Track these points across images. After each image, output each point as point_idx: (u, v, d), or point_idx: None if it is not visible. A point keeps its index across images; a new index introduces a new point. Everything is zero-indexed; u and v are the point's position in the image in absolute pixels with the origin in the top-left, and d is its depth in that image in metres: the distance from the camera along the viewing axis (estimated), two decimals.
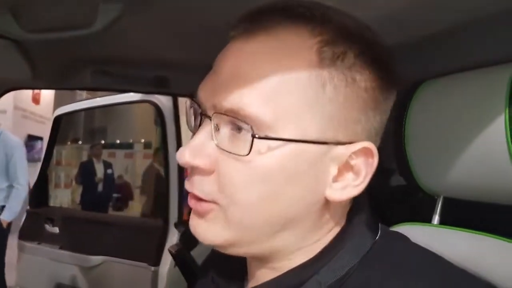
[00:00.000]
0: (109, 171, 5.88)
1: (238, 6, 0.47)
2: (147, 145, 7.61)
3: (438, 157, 0.58)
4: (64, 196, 6.48)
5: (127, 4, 0.60)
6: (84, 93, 7.99)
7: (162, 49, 0.89)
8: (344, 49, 0.38)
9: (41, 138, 7.03)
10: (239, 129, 0.37)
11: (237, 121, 0.37)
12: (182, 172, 1.72)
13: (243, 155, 0.37)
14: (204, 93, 0.40)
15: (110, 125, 8.70)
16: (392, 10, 0.55)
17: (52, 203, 3.32)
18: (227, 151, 0.38)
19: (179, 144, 1.69)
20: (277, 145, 0.37)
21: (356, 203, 0.45)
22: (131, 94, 1.76)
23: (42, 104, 7.14)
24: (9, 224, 2.68)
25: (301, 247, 0.42)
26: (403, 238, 0.45)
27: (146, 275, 1.70)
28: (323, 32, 0.38)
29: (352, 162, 0.39)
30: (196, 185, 0.40)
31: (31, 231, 2.18)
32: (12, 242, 2.52)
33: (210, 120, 0.39)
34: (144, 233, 1.83)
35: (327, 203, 0.40)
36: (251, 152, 0.36)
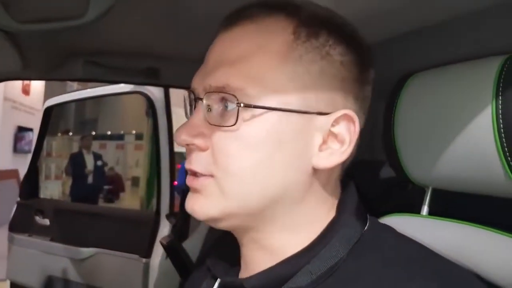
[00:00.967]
0: (99, 162, 5.87)
1: (224, 3, 0.48)
2: (138, 136, 7.59)
3: (427, 149, 0.59)
4: (54, 188, 6.45)
5: None
6: (75, 84, 7.91)
7: (153, 40, 0.90)
8: (317, 29, 0.43)
9: (31, 130, 6.97)
10: (227, 104, 0.41)
11: (225, 95, 0.41)
12: (173, 164, 1.73)
13: (231, 125, 0.40)
14: (196, 81, 0.45)
15: (101, 116, 8.65)
16: (381, 6, 0.56)
17: (42, 195, 3.29)
18: (217, 125, 0.42)
19: (170, 135, 1.70)
20: (261, 113, 0.41)
21: (345, 195, 0.47)
22: (122, 85, 1.75)
23: (32, 95, 7.06)
24: None
25: (292, 222, 0.44)
26: (390, 230, 0.47)
27: (137, 266, 1.71)
28: (298, 16, 0.43)
29: (335, 131, 0.43)
30: (193, 161, 0.43)
31: (22, 223, 2.18)
32: (2, 234, 2.50)
33: (202, 101, 0.43)
34: (135, 224, 1.84)
35: (314, 174, 0.43)
36: (237, 121, 0.40)
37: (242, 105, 0.40)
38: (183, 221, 1.61)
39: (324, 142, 0.43)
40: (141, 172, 7.10)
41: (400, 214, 0.63)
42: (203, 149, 0.43)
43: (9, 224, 2.25)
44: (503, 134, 0.48)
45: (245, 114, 0.41)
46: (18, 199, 2.32)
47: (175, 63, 1.04)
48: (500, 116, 0.48)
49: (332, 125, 0.43)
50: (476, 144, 0.51)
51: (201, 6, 0.63)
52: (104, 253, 1.83)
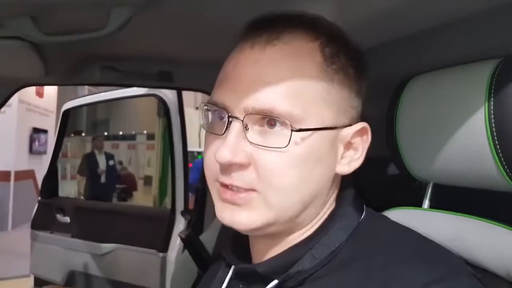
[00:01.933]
0: (111, 162, 5.90)
1: (241, 7, 0.51)
2: (149, 136, 7.66)
3: (427, 146, 0.62)
4: (70, 188, 6.55)
5: (137, 7, 0.64)
6: (86, 87, 8.01)
7: (167, 46, 0.93)
8: (337, 48, 0.47)
9: (45, 131, 7.08)
10: (272, 125, 0.44)
11: (270, 119, 0.44)
12: (187, 163, 1.78)
13: (282, 147, 0.43)
14: (229, 98, 0.46)
15: (112, 117, 8.73)
16: (380, 10, 0.59)
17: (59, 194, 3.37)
18: (262, 146, 0.44)
19: (184, 136, 1.74)
20: (308, 135, 0.44)
21: (343, 189, 0.52)
22: (136, 88, 1.80)
23: (46, 98, 7.17)
24: None
25: (311, 221, 0.49)
26: (384, 218, 0.53)
27: (155, 261, 1.76)
28: (318, 35, 0.47)
29: (352, 141, 0.48)
30: (236, 178, 0.45)
31: (43, 221, 2.24)
32: (20, 233, 2.58)
33: (238, 121, 0.44)
34: (152, 221, 1.89)
35: (333, 178, 0.49)
36: (289, 144, 0.43)
37: (294, 129, 0.43)
38: (198, 217, 1.67)
39: (344, 151, 0.48)
40: (153, 171, 7.17)
41: (403, 207, 0.66)
42: (245, 166, 0.45)
43: (31, 222, 2.32)
44: (494, 132, 0.51)
45: (296, 137, 0.44)
46: (39, 198, 2.40)
47: (188, 67, 1.08)
48: (492, 115, 0.51)
49: (351, 136, 0.48)
50: (471, 141, 0.55)
51: (213, 10, 0.66)
52: (123, 248, 1.89)
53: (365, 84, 0.50)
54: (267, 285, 0.47)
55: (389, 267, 0.42)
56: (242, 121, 0.44)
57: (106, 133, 8.52)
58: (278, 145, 0.43)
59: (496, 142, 0.51)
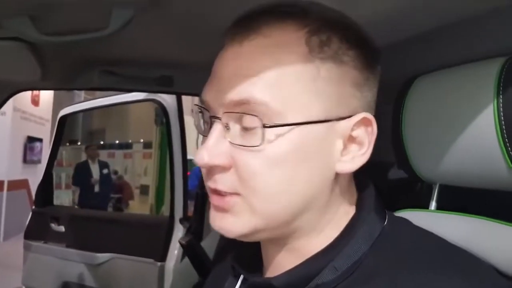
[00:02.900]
0: (105, 171, 5.85)
1: (241, 10, 0.51)
2: (146, 145, 7.63)
3: (434, 147, 0.62)
4: (65, 197, 6.49)
5: (138, 8, 0.64)
6: (82, 94, 7.99)
7: (167, 49, 0.91)
8: (328, 35, 0.43)
9: (40, 140, 7.03)
10: (247, 125, 0.41)
11: (245, 116, 0.41)
12: (186, 169, 1.76)
13: (256, 146, 0.40)
14: (210, 96, 0.44)
15: (108, 126, 8.71)
16: (385, 11, 0.59)
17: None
18: (241, 145, 0.41)
19: (183, 142, 1.73)
20: (286, 131, 0.40)
21: (363, 191, 0.48)
22: (135, 93, 1.79)
23: (41, 106, 7.13)
24: None
25: (317, 226, 0.45)
26: (407, 223, 0.48)
27: (153, 270, 1.73)
28: (307, 24, 0.43)
29: (354, 134, 0.43)
30: (218, 181, 0.43)
31: (37, 230, 2.21)
32: (13, 245, 2.54)
33: (220, 120, 0.42)
34: (150, 229, 1.87)
35: (336, 178, 0.44)
36: (263, 142, 0.40)
37: (267, 125, 0.40)
38: (197, 224, 1.65)
39: (345, 147, 0.43)
40: (150, 180, 7.14)
41: (410, 209, 0.65)
42: (226, 169, 0.42)
43: (24, 232, 2.28)
44: (504, 132, 0.50)
45: (270, 133, 0.40)
46: (33, 207, 2.37)
47: (188, 71, 1.06)
48: (502, 114, 0.50)
49: (352, 129, 0.43)
50: (479, 141, 0.54)
51: (213, 13, 0.65)
52: (120, 258, 1.85)
53: (372, 72, 0.45)
54: None
55: (417, 280, 0.39)
56: (220, 119, 0.42)
57: (102, 142, 8.48)
58: (253, 144, 0.40)
59: (506, 140, 0.51)
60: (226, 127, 0.42)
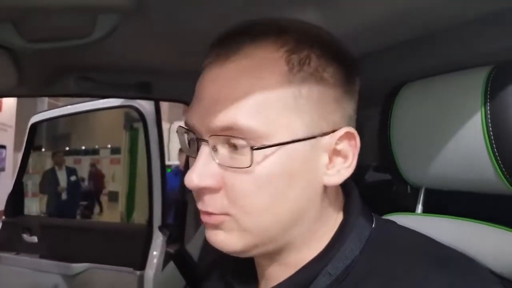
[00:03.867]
0: (72, 178, 5.70)
1: (222, 18, 0.51)
2: (114, 150, 7.47)
3: (421, 152, 0.63)
4: (32, 206, 6.27)
5: (124, 14, 0.63)
6: (46, 100, 7.73)
7: (146, 56, 0.90)
8: (307, 53, 0.43)
9: (4, 147, 6.76)
10: (235, 145, 0.41)
11: (233, 138, 0.41)
12: (165, 176, 1.74)
13: (246, 167, 0.41)
14: (195, 120, 0.44)
15: (74, 131, 8.48)
16: (373, 18, 0.60)
17: None
18: (230, 167, 0.42)
19: (161, 148, 1.70)
20: (273, 151, 0.41)
21: (350, 196, 0.49)
22: (111, 99, 1.75)
23: (4, 112, 6.85)
24: None
25: (309, 238, 0.46)
26: (394, 224, 0.51)
27: (131, 279, 1.69)
28: (284, 42, 0.43)
29: (339, 148, 0.44)
30: (208, 203, 0.43)
31: (8, 241, 2.12)
32: None
33: (207, 143, 0.42)
34: (128, 237, 1.83)
35: (324, 191, 0.45)
36: (252, 163, 0.40)
37: (255, 147, 0.40)
38: (178, 232, 1.62)
39: (330, 160, 0.44)
40: (118, 186, 6.98)
41: (396, 213, 0.66)
42: (216, 190, 0.43)
43: None
44: (492, 137, 0.52)
45: (258, 154, 0.41)
46: (3, 217, 2.27)
47: (167, 77, 1.05)
48: (489, 120, 0.52)
49: (336, 143, 0.44)
50: (467, 146, 0.56)
51: (194, 20, 0.65)
52: (96, 267, 1.81)
53: (352, 85, 0.46)
54: None
55: (413, 277, 0.40)
56: (207, 141, 0.42)
57: (67, 148, 8.25)
58: (242, 165, 0.41)
59: (494, 146, 0.53)
60: (214, 149, 0.43)
